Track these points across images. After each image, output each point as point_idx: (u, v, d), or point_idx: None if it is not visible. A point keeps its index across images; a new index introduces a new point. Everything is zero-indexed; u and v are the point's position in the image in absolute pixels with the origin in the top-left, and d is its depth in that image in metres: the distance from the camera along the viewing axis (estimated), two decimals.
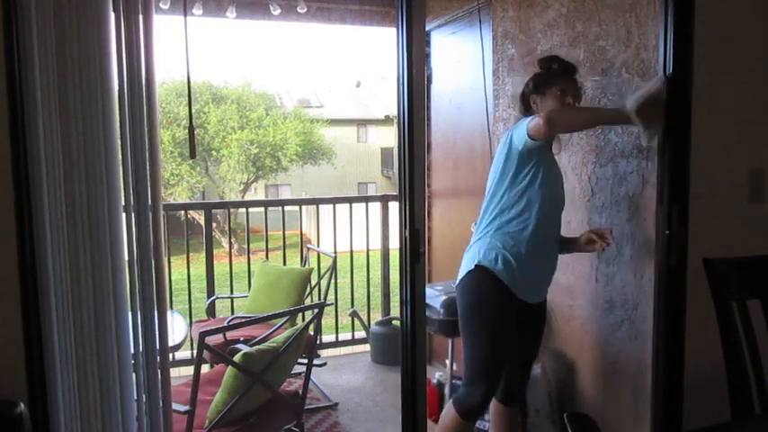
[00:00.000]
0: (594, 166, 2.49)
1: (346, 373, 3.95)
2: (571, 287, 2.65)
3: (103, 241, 1.61)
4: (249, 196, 18.57)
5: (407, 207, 2.00)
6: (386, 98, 22.09)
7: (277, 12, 3.99)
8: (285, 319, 3.13)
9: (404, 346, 2.09)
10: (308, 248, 4.28)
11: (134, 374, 1.75)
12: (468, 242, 2.30)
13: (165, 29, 2.67)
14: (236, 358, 2.27)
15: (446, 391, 3.02)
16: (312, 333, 2.72)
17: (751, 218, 2.21)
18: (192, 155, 2.77)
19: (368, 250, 4.48)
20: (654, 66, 2.14)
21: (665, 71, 2.03)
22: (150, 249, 1.75)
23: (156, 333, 1.77)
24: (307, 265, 4.16)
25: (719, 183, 2.14)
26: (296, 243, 4.62)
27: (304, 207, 4.82)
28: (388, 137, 22.16)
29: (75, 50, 1.55)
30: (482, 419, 2.68)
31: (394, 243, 3.91)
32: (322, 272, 4.20)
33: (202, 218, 9.41)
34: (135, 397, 1.75)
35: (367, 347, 4.27)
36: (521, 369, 2.35)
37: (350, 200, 4.66)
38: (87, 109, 1.58)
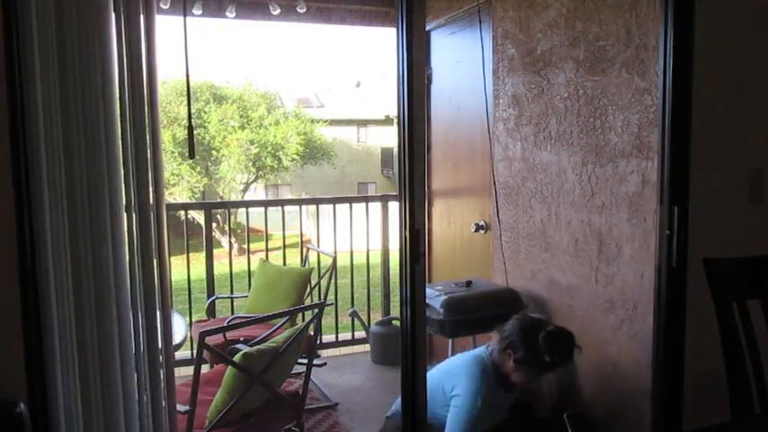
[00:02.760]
0: (594, 166, 2.49)
1: (346, 373, 3.95)
2: (571, 287, 2.65)
3: (105, 241, 1.61)
4: (249, 196, 18.56)
5: (407, 207, 1.99)
6: (386, 98, 22.06)
7: (277, 12, 3.99)
8: (285, 319, 3.13)
9: (404, 346, 2.09)
10: (308, 248, 4.28)
11: (136, 374, 1.75)
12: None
13: (166, 29, 2.67)
14: (236, 358, 2.27)
15: None
16: (312, 333, 2.72)
17: (751, 218, 2.21)
18: (192, 155, 2.76)
19: (368, 250, 4.48)
20: (654, 66, 2.14)
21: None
22: (153, 249, 1.75)
23: (160, 333, 1.77)
24: (307, 265, 4.16)
25: (719, 183, 2.14)
26: (296, 243, 4.62)
27: (304, 207, 4.82)
28: (388, 137, 22.15)
29: (76, 50, 1.55)
30: None
31: (394, 243, 3.92)
32: (322, 272, 4.20)
33: (202, 218, 9.41)
34: (137, 397, 1.75)
35: (367, 347, 4.27)
36: None
37: (350, 200, 4.66)
38: (88, 109, 1.58)
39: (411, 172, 1.98)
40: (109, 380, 1.64)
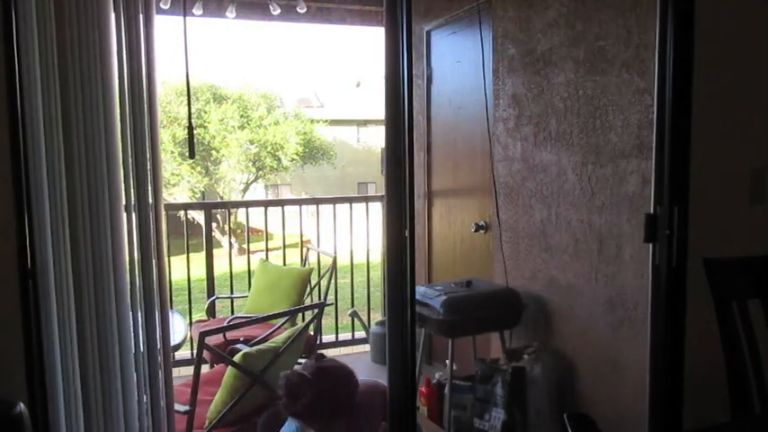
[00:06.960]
0: (594, 166, 2.49)
1: None
2: (571, 287, 2.65)
3: (105, 241, 1.62)
4: (249, 196, 18.57)
5: (407, 206, 1.99)
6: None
7: (277, 12, 3.99)
8: (285, 319, 3.13)
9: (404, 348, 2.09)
10: (308, 248, 4.28)
11: (135, 374, 1.75)
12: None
13: (166, 29, 2.67)
14: (236, 358, 2.27)
15: (446, 391, 3.01)
16: (312, 333, 2.73)
17: (751, 218, 2.21)
18: (192, 155, 2.77)
19: (368, 250, 4.48)
20: (654, 66, 2.14)
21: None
22: (152, 249, 1.75)
23: (158, 333, 1.77)
24: (307, 265, 4.16)
25: (719, 183, 2.14)
26: (296, 243, 4.63)
27: (304, 207, 4.82)
28: None
29: (76, 50, 1.55)
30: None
31: None
32: (322, 272, 4.20)
33: (202, 218, 9.41)
34: (136, 397, 1.75)
35: (367, 347, 4.26)
36: None
37: (350, 200, 4.66)
38: (88, 109, 1.58)
39: (411, 172, 1.98)
40: (108, 380, 1.64)
